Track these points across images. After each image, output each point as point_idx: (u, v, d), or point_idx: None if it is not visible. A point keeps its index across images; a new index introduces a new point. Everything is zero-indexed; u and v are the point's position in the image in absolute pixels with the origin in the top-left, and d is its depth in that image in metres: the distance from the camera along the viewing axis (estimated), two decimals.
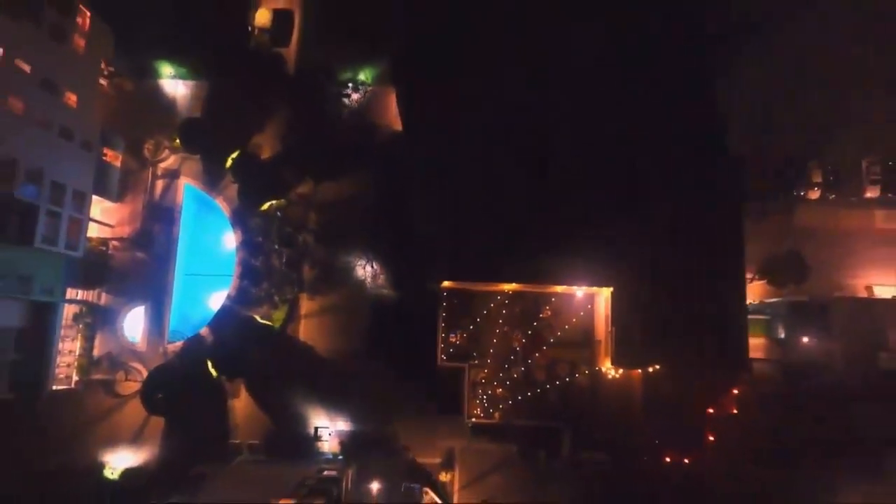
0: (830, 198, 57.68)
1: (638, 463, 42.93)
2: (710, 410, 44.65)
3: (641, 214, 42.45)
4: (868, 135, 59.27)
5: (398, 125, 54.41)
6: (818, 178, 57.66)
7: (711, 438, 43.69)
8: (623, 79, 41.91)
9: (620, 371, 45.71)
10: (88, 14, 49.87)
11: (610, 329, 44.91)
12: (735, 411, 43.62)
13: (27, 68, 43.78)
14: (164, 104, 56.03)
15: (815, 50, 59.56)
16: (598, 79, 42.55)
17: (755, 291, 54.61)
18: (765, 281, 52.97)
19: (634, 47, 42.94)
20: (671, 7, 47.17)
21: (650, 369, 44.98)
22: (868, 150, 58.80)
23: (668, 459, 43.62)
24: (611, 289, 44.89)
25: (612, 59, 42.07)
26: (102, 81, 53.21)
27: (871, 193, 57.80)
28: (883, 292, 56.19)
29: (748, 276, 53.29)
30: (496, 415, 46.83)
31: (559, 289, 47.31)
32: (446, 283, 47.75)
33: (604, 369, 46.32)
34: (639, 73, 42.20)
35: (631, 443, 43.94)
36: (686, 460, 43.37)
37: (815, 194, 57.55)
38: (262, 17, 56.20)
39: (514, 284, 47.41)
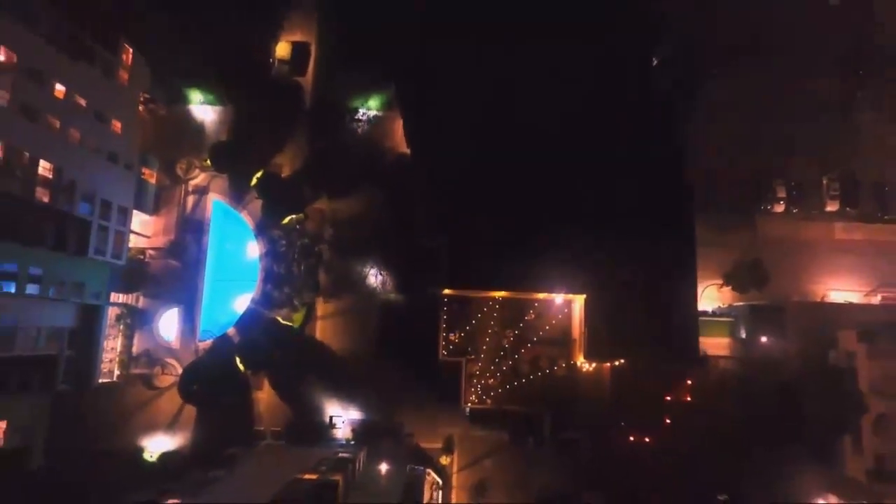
0: (794, 211, 64.65)
1: (607, 441, 49.70)
2: (667, 398, 51.59)
3: (610, 235, 48.82)
4: (828, 155, 66.07)
5: (404, 149, 60.27)
6: (783, 194, 64.52)
7: (668, 421, 50.59)
8: (600, 122, 49.27)
9: (593, 364, 52.27)
10: (130, 50, 57.12)
11: (583, 329, 51.32)
12: (689, 398, 50.68)
13: (83, 102, 50.59)
14: (195, 128, 61.78)
15: (781, 79, 66.40)
16: (577, 118, 49.65)
17: (722, 296, 61.81)
18: (730, 287, 59.91)
19: (608, 91, 50.15)
20: (640, 54, 54.57)
21: (617, 363, 51.76)
22: (828, 169, 65.66)
23: (632, 438, 50.51)
24: (584, 296, 51.34)
25: (590, 103, 49.25)
26: (140, 108, 59.32)
27: (831, 207, 64.83)
28: (842, 297, 62.82)
29: (717, 282, 61.28)
30: (489, 401, 53.25)
31: (541, 296, 53.64)
32: (447, 291, 53.77)
33: (578, 363, 52.80)
34: (612, 117, 49.46)
35: (601, 424, 50.63)
36: (647, 439, 50.36)
37: (780, 208, 64.50)
38: (283, 49, 62.44)
39: (503, 292, 53.70)
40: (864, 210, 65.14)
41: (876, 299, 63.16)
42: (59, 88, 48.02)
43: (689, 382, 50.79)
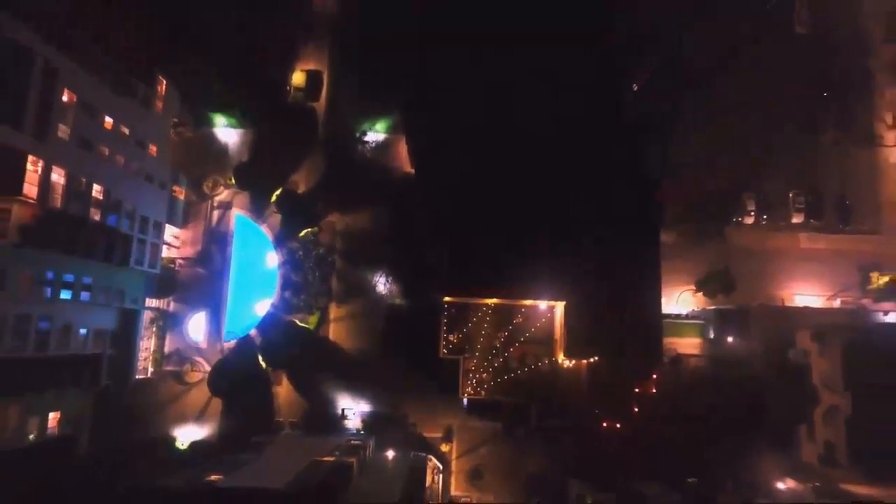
0: (763, 223, 71.64)
1: (584, 427, 57.03)
2: (636, 390, 58.76)
3: (587, 250, 56.11)
4: (794, 171, 73.01)
5: (407, 169, 67.46)
6: (752, 207, 71.47)
7: (636, 410, 58.16)
8: (577, 151, 57.35)
9: (571, 361, 58.98)
10: (164, 81, 64.92)
11: (563, 331, 58.14)
12: (654, 391, 58.15)
13: (127, 131, 58.25)
14: (219, 149, 68.81)
15: (751, 100, 72.94)
16: (557, 149, 57.46)
17: (697, 301, 69.28)
18: (702, 293, 67.91)
19: (583, 120, 58.09)
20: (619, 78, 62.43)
21: (592, 360, 58.53)
22: (794, 184, 72.58)
23: (605, 425, 57.87)
24: (564, 303, 58.28)
25: (567, 133, 57.22)
26: (170, 132, 66.59)
27: (797, 219, 71.76)
28: (806, 301, 69.98)
29: (691, 288, 69.12)
30: (483, 393, 59.83)
31: (528, 302, 60.37)
32: (447, 298, 60.44)
33: (559, 360, 59.35)
34: (587, 146, 57.49)
35: (579, 412, 57.61)
36: (618, 425, 57.64)
37: (750, 220, 71.53)
38: (298, 78, 69.53)
39: (495, 299, 60.47)
40: (826, 222, 71.99)
41: (836, 303, 71.00)
42: (108, 120, 55.79)
43: (654, 377, 58.73)
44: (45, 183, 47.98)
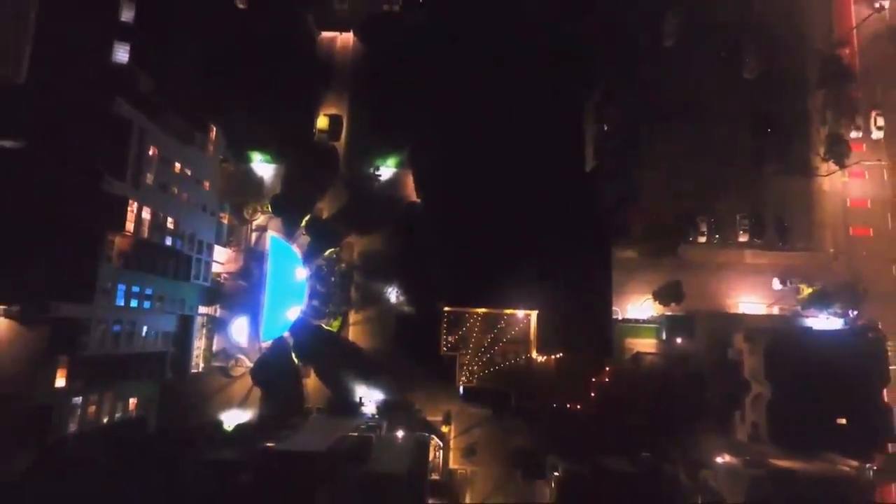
0: (713, 241, 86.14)
1: (552, 408, 72.87)
2: (593, 379, 73.91)
3: (554, 272, 70.63)
4: (741, 197, 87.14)
5: (415, 199, 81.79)
6: (704, 228, 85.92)
7: (593, 395, 73.74)
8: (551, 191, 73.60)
9: (543, 356, 73.72)
10: (214, 128, 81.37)
11: (537, 333, 73.00)
12: (607, 380, 73.91)
13: (189, 173, 74.70)
14: (256, 181, 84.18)
15: (704, 135, 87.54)
16: (534, 188, 73.71)
17: (654, 308, 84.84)
18: (657, 301, 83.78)
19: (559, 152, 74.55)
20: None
21: (558, 355, 73.29)
22: (740, 208, 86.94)
23: (568, 406, 73.25)
24: (536, 311, 73.31)
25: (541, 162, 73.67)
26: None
27: (742, 238, 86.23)
28: (749, 308, 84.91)
29: (649, 297, 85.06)
30: (473, 381, 74.20)
31: (508, 311, 74.75)
32: (446, 307, 74.77)
33: (534, 356, 73.93)
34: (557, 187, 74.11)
35: (548, 397, 72.99)
36: (579, 406, 73.29)
37: (702, 239, 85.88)
38: (322, 122, 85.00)
39: (484, 308, 74.88)
40: (767, 241, 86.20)
41: (775, 310, 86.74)
42: (177, 166, 72.28)
43: (608, 368, 74.96)
44: (138, 220, 64.67)
